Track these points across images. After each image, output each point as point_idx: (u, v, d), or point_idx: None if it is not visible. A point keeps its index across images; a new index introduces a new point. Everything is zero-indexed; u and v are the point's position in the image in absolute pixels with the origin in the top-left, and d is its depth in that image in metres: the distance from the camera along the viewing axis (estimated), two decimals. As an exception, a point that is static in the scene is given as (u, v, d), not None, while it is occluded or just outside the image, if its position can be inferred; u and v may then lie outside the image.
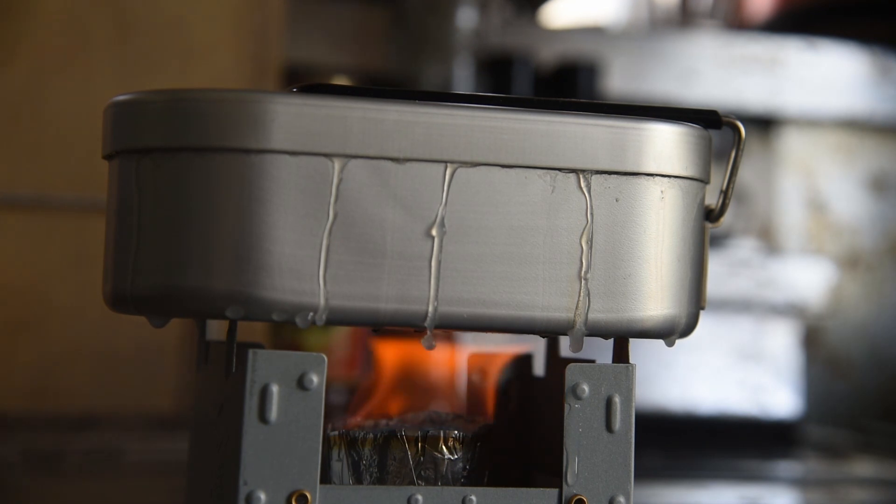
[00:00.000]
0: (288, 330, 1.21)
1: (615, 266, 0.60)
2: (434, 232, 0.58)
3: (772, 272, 1.53)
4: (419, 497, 0.60)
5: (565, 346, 0.64)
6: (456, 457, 0.63)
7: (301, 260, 0.56)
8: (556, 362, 0.68)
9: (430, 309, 0.58)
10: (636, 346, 0.63)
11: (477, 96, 0.62)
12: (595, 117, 0.60)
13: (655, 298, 0.61)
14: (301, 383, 0.57)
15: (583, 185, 0.60)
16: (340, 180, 0.57)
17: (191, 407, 0.71)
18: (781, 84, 1.71)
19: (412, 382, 0.71)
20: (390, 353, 0.71)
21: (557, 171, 0.59)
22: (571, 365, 0.61)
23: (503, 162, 0.59)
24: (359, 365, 1.31)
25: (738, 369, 1.52)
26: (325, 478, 0.62)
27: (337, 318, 0.57)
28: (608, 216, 0.60)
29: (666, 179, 0.61)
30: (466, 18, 1.51)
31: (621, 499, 0.61)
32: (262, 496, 0.57)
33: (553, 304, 0.59)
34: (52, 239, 1.31)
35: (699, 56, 1.69)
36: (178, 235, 0.57)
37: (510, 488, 0.61)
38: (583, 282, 0.60)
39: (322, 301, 0.57)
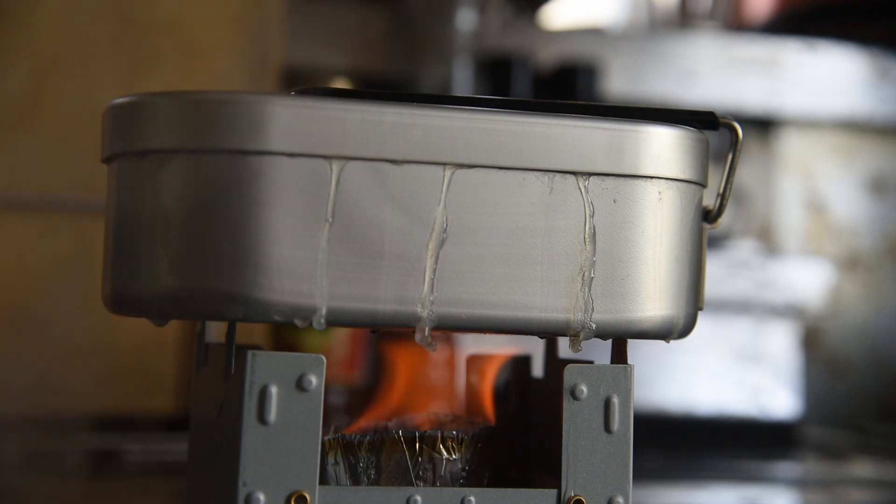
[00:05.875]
0: (287, 331, 1.21)
1: (613, 267, 0.60)
2: (432, 233, 0.58)
3: (771, 273, 1.53)
4: (418, 498, 0.60)
5: (564, 347, 0.64)
6: (455, 458, 0.63)
7: (300, 261, 0.57)
8: (554, 363, 0.68)
9: (429, 310, 0.58)
10: (635, 347, 0.64)
11: (475, 98, 0.62)
12: (592, 120, 0.60)
13: (653, 299, 0.61)
14: (300, 384, 0.58)
15: (581, 186, 0.60)
16: (339, 182, 0.57)
17: (190, 408, 0.71)
18: (781, 85, 1.71)
19: (416, 385, 0.71)
20: (397, 356, 0.71)
21: (555, 173, 0.60)
22: (570, 366, 0.61)
23: (501, 164, 0.59)
24: (359, 366, 1.31)
25: (737, 370, 1.52)
26: (324, 479, 0.62)
27: (335, 320, 0.57)
28: (606, 217, 0.60)
29: (663, 181, 0.61)
30: (466, 19, 1.51)
31: (620, 499, 0.61)
32: (262, 497, 0.57)
33: (551, 304, 0.60)
34: (52, 239, 1.31)
35: (698, 57, 1.69)
36: (178, 237, 0.57)
37: (509, 489, 0.61)
38: (581, 283, 0.60)
39: (321, 302, 0.57)
